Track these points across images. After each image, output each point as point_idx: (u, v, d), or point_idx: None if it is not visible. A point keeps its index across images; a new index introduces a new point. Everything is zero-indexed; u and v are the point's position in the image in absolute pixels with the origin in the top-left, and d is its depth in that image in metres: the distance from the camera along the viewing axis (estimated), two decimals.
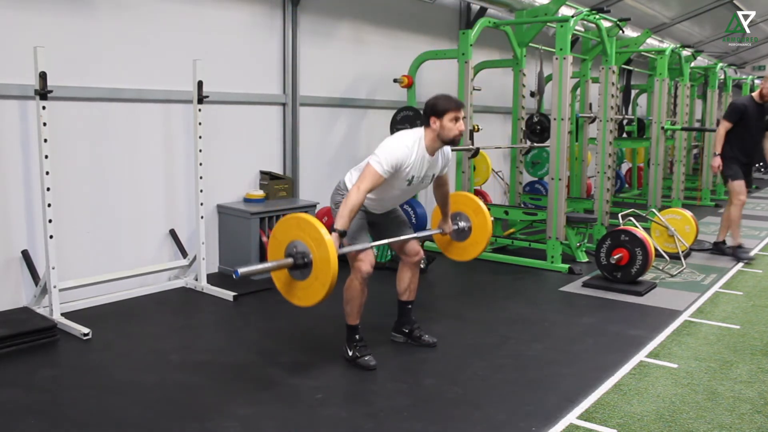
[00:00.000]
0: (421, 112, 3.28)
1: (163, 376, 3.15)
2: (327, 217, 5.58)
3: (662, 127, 7.28)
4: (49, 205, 3.65)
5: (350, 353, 3.31)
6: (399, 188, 3.24)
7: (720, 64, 10.06)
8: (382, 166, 3.05)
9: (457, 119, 3.14)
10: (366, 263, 3.17)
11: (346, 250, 3.09)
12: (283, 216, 5.02)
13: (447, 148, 3.35)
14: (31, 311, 3.78)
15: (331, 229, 2.90)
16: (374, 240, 3.45)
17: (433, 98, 3.22)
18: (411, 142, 3.14)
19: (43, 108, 3.57)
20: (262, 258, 4.92)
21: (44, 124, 3.59)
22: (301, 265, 2.84)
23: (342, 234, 2.97)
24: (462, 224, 3.74)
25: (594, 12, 5.65)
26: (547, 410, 2.83)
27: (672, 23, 10.49)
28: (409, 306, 3.60)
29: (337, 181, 3.41)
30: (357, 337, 3.32)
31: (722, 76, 10.44)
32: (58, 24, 4.01)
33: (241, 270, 2.77)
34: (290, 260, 2.86)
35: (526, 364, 3.39)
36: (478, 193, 7.12)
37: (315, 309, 4.34)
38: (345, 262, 3.18)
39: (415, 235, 3.49)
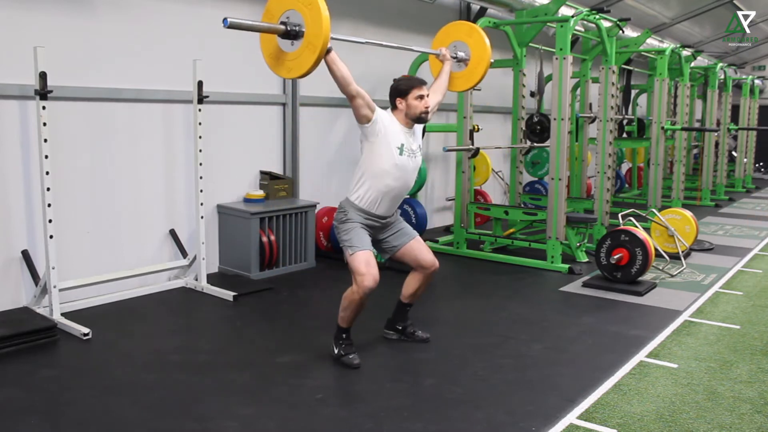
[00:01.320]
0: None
1: (163, 376, 3.15)
2: (327, 217, 5.58)
3: (662, 127, 7.28)
4: (49, 205, 3.66)
5: (336, 351, 3.33)
6: (394, 162, 3.22)
7: (720, 64, 10.06)
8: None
9: (421, 97, 3.28)
10: (369, 279, 3.11)
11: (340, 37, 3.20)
12: (282, 216, 5.06)
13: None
14: (31, 311, 3.79)
15: None
16: (379, 253, 3.41)
17: (395, 81, 3.39)
18: (386, 112, 3.31)
19: (43, 108, 3.57)
20: (263, 258, 4.92)
21: (44, 124, 3.59)
22: (293, 34, 2.91)
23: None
24: (461, 54, 3.79)
25: (594, 12, 5.65)
26: (547, 410, 2.83)
27: (672, 23, 10.49)
28: (408, 308, 3.62)
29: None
30: (344, 336, 3.33)
31: (722, 76, 10.44)
32: (58, 24, 4.01)
33: (231, 19, 2.81)
34: (282, 27, 2.93)
35: (526, 364, 3.39)
36: (478, 193, 7.13)
37: (314, 309, 4.35)
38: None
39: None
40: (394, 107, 3.31)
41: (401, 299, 3.59)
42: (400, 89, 3.29)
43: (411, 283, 3.53)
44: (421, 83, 3.32)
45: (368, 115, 3.16)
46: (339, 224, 3.30)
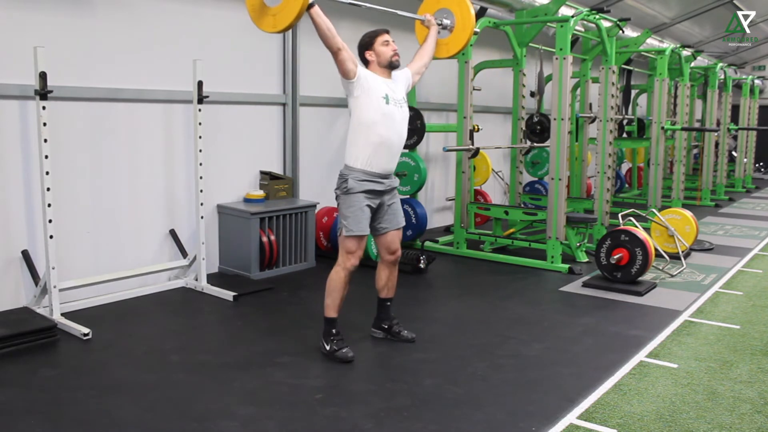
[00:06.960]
0: (357, 52, 3.43)
1: (163, 376, 3.15)
2: (327, 217, 5.58)
3: (662, 127, 7.28)
4: (49, 205, 3.66)
5: (327, 347, 3.35)
6: (381, 111, 3.27)
7: (720, 64, 10.06)
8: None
9: (387, 42, 3.38)
10: (356, 258, 3.29)
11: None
12: (282, 216, 5.06)
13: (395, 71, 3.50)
14: (31, 311, 3.78)
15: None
16: (372, 230, 3.47)
17: (360, 39, 3.44)
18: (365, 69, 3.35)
19: (43, 108, 3.57)
20: (263, 258, 4.92)
21: (44, 124, 3.59)
22: None
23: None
24: (446, 21, 3.84)
25: (594, 12, 5.65)
26: (547, 410, 2.83)
27: (672, 23, 10.49)
28: (388, 303, 3.65)
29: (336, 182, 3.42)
30: (334, 331, 3.37)
31: (722, 76, 10.44)
32: (58, 24, 4.01)
33: None
34: None
35: (526, 364, 3.39)
36: (478, 193, 7.13)
37: (315, 309, 4.35)
38: (333, 258, 3.20)
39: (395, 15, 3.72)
40: (366, 63, 3.39)
41: (378, 296, 3.65)
42: (365, 42, 3.40)
43: (380, 276, 3.61)
44: (384, 30, 3.40)
45: (353, 69, 3.23)
46: (341, 194, 3.34)
